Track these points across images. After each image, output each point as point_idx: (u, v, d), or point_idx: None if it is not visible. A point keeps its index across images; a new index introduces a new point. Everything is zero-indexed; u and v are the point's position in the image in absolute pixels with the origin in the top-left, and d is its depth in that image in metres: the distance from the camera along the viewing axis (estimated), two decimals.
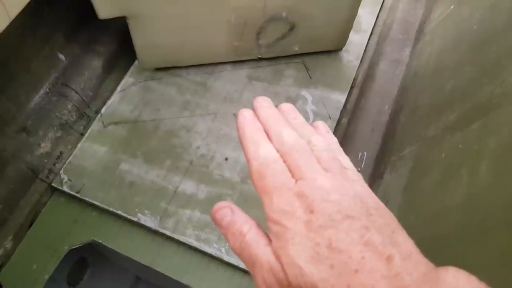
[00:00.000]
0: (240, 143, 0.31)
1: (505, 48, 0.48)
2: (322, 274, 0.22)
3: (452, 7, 0.73)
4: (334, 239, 0.23)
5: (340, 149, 0.32)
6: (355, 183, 0.27)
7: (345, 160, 0.30)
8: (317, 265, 0.23)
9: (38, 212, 0.70)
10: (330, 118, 0.77)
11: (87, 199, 0.69)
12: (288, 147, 0.29)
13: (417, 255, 0.23)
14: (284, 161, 0.28)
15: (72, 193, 0.69)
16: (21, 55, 0.69)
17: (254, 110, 0.33)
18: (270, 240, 0.26)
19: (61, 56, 0.76)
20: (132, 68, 0.83)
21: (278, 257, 0.25)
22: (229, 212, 0.29)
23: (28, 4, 0.54)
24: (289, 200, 0.25)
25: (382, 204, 0.26)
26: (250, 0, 0.68)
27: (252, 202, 0.69)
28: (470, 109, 0.50)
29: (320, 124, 0.35)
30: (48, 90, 0.74)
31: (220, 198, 0.69)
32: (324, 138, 0.31)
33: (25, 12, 0.53)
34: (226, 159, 0.73)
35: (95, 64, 0.80)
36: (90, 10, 0.64)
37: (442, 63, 0.67)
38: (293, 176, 0.27)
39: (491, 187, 0.39)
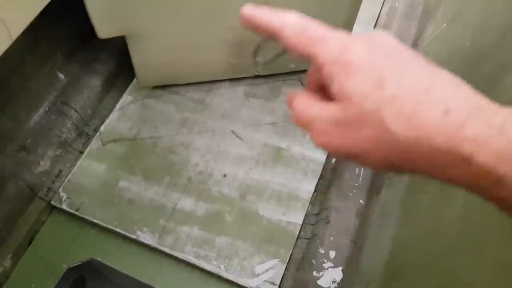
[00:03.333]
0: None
1: (497, 64, 0.50)
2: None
3: (445, 25, 0.74)
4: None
5: None
6: None
7: None
8: None
9: (37, 231, 0.70)
10: None
11: (86, 217, 0.69)
12: None
13: None
14: None
15: (71, 211, 0.69)
16: (22, 74, 0.70)
17: None
18: None
19: (61, 75, 0.77)
20: (131, 86, 0.84)
21: None
22: None
23: (29, 24, 0.55)
24: None
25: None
26: None
27: (251, 218, 0.69)
28: None
29: None
30: (47, 108, 0.75)
31: (218, 214, 0.70)
32: None
33: (26, 32, 0.54)
34: (225, 175, 0.73)
35: (94, 82, 0.81)
36: (90, 29, 0.65)
37: None
38: None
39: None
